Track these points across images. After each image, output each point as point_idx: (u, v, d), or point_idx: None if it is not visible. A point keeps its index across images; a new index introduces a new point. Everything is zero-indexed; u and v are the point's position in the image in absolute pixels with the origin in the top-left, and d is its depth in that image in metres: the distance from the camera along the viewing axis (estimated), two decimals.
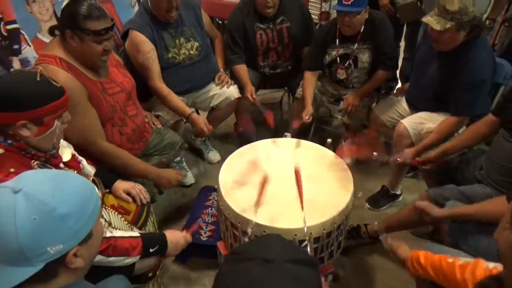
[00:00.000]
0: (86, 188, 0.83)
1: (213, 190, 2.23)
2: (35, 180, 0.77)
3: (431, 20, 1.78)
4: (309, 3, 2.85)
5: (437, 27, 1.75)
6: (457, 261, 1.14)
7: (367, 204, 2.33)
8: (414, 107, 2.18)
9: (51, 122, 1.21)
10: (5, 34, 1.83)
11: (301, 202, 1.48)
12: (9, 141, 1.16)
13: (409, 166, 2.27)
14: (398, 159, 1.90)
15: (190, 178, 2.53)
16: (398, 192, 2.34)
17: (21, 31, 1.90)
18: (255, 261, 0.67)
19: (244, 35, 2.47)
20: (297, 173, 1.57)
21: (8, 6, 1.81)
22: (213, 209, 2.12)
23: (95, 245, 0.86)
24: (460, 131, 2.00)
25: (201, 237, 1.97)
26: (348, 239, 1.99)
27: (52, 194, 0.75)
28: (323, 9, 2.87)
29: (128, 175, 1.76)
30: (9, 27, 1.84)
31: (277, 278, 0.65)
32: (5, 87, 1.16)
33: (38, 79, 1.17)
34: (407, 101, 2.26)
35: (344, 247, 1.80)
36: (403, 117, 2.19)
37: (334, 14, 2.76)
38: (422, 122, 2.03)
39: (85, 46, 1.57)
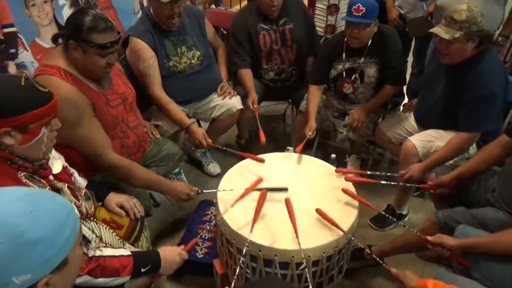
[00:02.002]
0: (63, 210, 0.74)
1: (212, 205, 2.15)
2: (4, 199, 0.69)
3: (439, 30, 1.74)
4: (315, 16, 2.80)
5: (446, 36, 1.70)
6: None
7: (372, 224, 2.24)
8: (423, 125, 2.10)
9: (37, 130, 1.13)
10: (1, 37, 1.78)
11: (295, 230, 1.38)
12: None
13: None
14: (405, 174, 1.82)
15: None
16: (404, 212, 2.25)
17: (19, 35, 1.85)
18: None
19: (248, 37, 2.43)
20: (287, 203, 1.48)
21: (5, 9, 1.76)
22: (211, 224, 2.03)
23: (72, 273, 0.77)
24: (471, 151, 1.92)
25: (197, 254, 1.88)
26: (351, 261, 1.89)
27: (22, 215, 0.67)
28: (329, 22, 2.83)
29: (138, 186, 1.70)
30: (6, 30, 1.79)
31: None
32: None
33: (22, 83, 1.09)
34: (415, 118, 2.18)
35: (347, 269, 1.71)
36: (410, 134, 2.12)
37: (339, 28, 2.73)
38: (431, 140, 1.95)
39: (88, 58, 1.51)
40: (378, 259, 1.47)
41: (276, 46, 2.46)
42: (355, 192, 1.59)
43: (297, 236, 1.34)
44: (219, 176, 2.32)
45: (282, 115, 3.19)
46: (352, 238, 1.45)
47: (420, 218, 2.28)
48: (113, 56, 1.56)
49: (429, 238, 1.44)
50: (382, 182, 1.73)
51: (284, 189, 1.60)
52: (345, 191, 1.58)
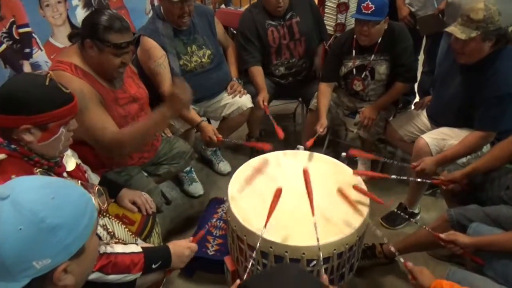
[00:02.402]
0: (82, 199, 0.75)
1: (222, 202, 2.16)
2: (26, 187, 0.70)
3: (455, 29, 1.70)
4: (325, 15, 2.80)
5: (462, 36, 1.67)
6: None
7: (383, 222, 2.22)
8: (436, 122, 2.08)
9: (56, 129, 1.16)
10: (17, 37, 1.81)
11: (312, 207, 1.39)
12: (13, 146, 1.11)
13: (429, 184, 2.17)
14: (417, 166, 1.82)
15: (199, 189, 2.46)
16: (416, 211, 2.23)
17: (33, 34, 1.88)
18: None
19: (257, 34, 2.44)
20: (305, 173, 1.49)
21: (20, 9, 1.79)
22: (221, 221, 2.04)
23: (88, 262, 0.78)
24: (484, 150, 1.89)
25: (208, 251, 1.89)
26: (362, 259, 1.88)
27: (43, 202, 0.68)
28: (339, 21, 2.82)
29: (151, 136, 1.67)
30: (21, 30, 1.82)
31: None
32: (12, 88, 1.11)
33: (46, 83, 1.12)
34: (428, 116, 2.16)
35: (358, 267, 1.70)
36: (422, 132, 2.10)
37: (349, 26, 2.72)
38: (445, 138, 1.93)
39: (103, 57, 1.53)
40: (393, 249, 1.46)
41: (284, 41, 2.47)
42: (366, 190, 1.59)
43: (313, 213, 1.38)
44: (230, 174, 2.33)
45: (292, 114, 3.19)
46: (371, 223, 1.44)
47: (432, 217, 2.26)
48: (127, 56, 1.58)
49: (441, 235, 1.42)
50: (393, 176, 1.72)
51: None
52: (355, 188, 1.58)
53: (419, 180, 1.81)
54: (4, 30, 1.75)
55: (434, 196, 2.39)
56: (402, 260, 1.34)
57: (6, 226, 0.65)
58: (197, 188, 2.46)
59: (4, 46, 1.77)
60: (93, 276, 1.17)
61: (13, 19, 1.78)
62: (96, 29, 1.49)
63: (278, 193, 1.45)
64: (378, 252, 1.93)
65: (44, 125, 1.13)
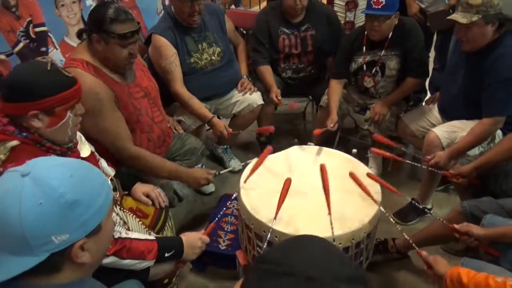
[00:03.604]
0: (98, 179, 0.78)
1: (233, 198, 2.16)
2: (45, 165, 0.73)
3: (456, 16, 1.73)
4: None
5: (463, 20, 1.69)
6: (509, 281, 1.01)
7: (395, 218, 2.21)
8: (447, 116, 2.07)
9: (63, 113, 1.18)
10: (33, 36, 1.85)
11: (328, 203, 1.39)
12: (24, 134, 1.15)
13: (440, 179, 2.15)
14: (431, 160, 1.82)
15: (210, 186, 2.48)
16: (428, 206, 2.21)
17: (49, 34, 1.93)
18: (293, 277, 0.52)
19: (269, 37, 2.46)
20: (323, 170, 1.49)
21: (37, 9, 1.84)
22: (233, 217, 2.05)
23: (104, 241, 0.80)
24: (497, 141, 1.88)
25: (220, 246, 1.90)
26: (374, 254, 1.87)
27: (62, 179, 0.71)
28: (348, 19, 2.82)
29: (157, 176, 1.74)
30: (37, 29, 1.86)
31: None
32: (15, 77, 1.15)
33: (48, 68, 1.15)
34: (439, 110, 2.15)
35: (370, 263, 1.69)
36: (434, 126, 2.09)
37: (358, 24, 2.72)
38: (455, 131, 1.92)
39: (110, 49, 1.56)
40: (407, 238, 1.46)
41: (295, 51, 2.49)
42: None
43: (329, 210, 1.39)
44: (240, 172, 2.34)
45: (302, 113, 3.19)
46: (383, 210, 1.45)
47: (444, 213, 2.23)
48: (134, 47, 1.61)
49: (456, 226, 1.41)
50: (407, 161, 1.81)
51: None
52: (369, 175, 1.58)
53: (431, 169, 1.81)
54: (21, 29, 1.79)
55: (447, 192, 2.38)
56: (416, 248, 1.33)
57: (27, 200, 0.67)
58: (208, 186, 2.46)
59: (21, 45, 1.81)
60: (109, 260, 1.20)
61: (29, 19, 1.82)
62: (100, 22, 1.52)
63: (287, 183, 1.45)
64: (391, 246, 1.92)
65: (51, 109, 1.15)
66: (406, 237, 1.48)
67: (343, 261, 0.58)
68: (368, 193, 1.46)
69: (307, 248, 0.59)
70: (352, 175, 1.54)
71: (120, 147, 1.66)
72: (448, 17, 1.80)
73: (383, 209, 1.44)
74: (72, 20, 2.03)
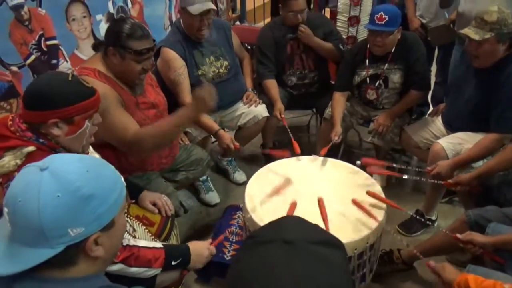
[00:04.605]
0: (113, 175, 0.81)
1: (238, 209, 2.18)
2: (63, 160, 0.76)
3: (469, 31, 1.75)
4: (337, 28, 2.86)
5: (476, 37, 1.71)
6: None
7: (399, 229, 2.21)
8: (452, 128, 2.09)
9: (82, 122, 1.22)
10: (45, 49, 1.91)
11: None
12: (41, 140, 1.18)
13: (445, 191, 2.16)
14: (433, 170, 1.83)
15: (215, 198, 2.49)
16: (433, 218, 2.21)
17: (60, 47, 1.98)
18: (273, 243, 0.59)
19: (274, 48, 2.52)
20: (320, 202, 1.51)
21: (49, 23, 1.90)
22: (238, 228, 2.06)
23: (117, 236, 0.82)
24: None
25: (225, 256, 1.90)
26: (379, 265, 1.87)
27: (79, 174, 0.74)
28: (350, 34, 2.88)
29: (172, 136, 1.68)
30: (49, 42, 1.92)
31: (299, 261, 0.57)
32: (38, 86, 1.19)
33: (70, 79, 1.20)
34: (444, 122, 2.18)
35: (376, 274, 1.69)
36: (438, 138, 2.11)
37: (360, 38, 2.77)
38: (461, 143, 1.93)
39: (125, 64, 1.60)
40: (415, 251, 1.46)
41: (297, 51, 2.55)
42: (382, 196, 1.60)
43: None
44: (245, 184, 2.36)
45: (306, 126, 3.22)
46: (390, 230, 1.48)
47: (449, 224, 2.18)
48: (148, 62, 1.64)
49: (459, 235, 1.42)
50: (405, 177, 1.83)
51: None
52: (370, 193, 1.59)
53: (431, 180, 1.82)
54: (34, 42, 1.85)
55: (452, 203, 2.37)
56: (421, 257, 1.34)
57: (45, 193, 0.70)
58: (213, 197, 2.49)
59: (33, 57, 1.86)
60: (116, 267, 1.21)
61: (42, 32, 1.88)
62: (118, 37, 1.56)
63: (292, 208, 1.48)
64: (396, 257, 1.91)
65: (70, 118, 1.19)
66: (414, 251, 1.48)
67: (317, 228, 0.66)
68: (370, 215, 1.48)
69: (285, 222, 0.67)
70: (354, 201, 1.56)
71: (125, 135, 1.59)
72: (460, 31, 1.82)
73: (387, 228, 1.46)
74: (82, 34, 2.09)
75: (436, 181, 1.82)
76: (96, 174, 0.76)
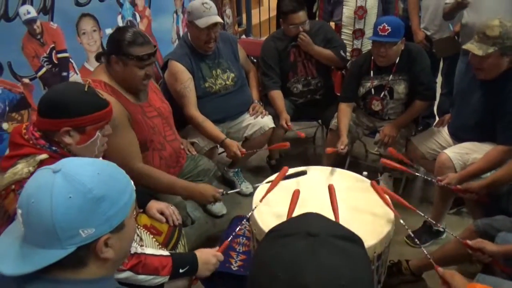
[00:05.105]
0: (123, 178, 0.83)
1: (245, 220, 2.17)
2: (75, 163, 0.78)
3: (472, 46, 1.75)
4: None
5: (479, 52, 1.71)
6: None
7: (408, 240, 2.19)
8: (458, 138, 2.09)
9: (93, 132, 1.25)
10: (55, 61, 1.95)
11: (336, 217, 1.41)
12: (54, 148, 1.21)
13: (453, 201, 2.15)
14: (442, 181, 1.82)
15: (221, 209, 2.50)
16: (441, 229, 2.19)
17: (70, 59, 2.03)
18: (297, 235, 0.61)
19: (278, 59, 2.56)
20: (331, 189, 1.51)
21: (60, 36, 1.94)
22: (244, 238, 2.05)
23: (127, 239, 0.83)
24: None
25: (232, 266, 1.89)
26: (388, 276, 1.85)
27: (90, 176, 0.75)
28: (355, 46, 2.92)
29: (165, 192, 1.77)
30: (60, 55, 1.97)
31: (323, 252, 0.58)
32: (54, 95, 1.23)
33: (85, 89, 1.23)
34: (450, 133, 2.18)
35: (384, 285, 1.68)
36: (444, 148, 2.10)
37: (365, 51, 2.79)
38: (468, 153, 1.93)
39: (128, 70, 1.64)
40: (427, 253, 1.46)
41: (299, 58, 2.59)
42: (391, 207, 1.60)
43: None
44: (252, 195, 2.37)
45: (312, 138, 3.23)
46: (402, 222, 1.50)
47: (457, 235, 2.21)
48: (150, 68, 1.69)
49: (469, 242, 1.41)
50: (417, 173, 1.95)
51: (303, 173, 1.74)
52: (384, 190, 1.63)
53: (441, 184, 1.82)
54: (45, 55, 1.90)
55: (460, 214, 2.36)
56: (434, 263, 1.33)
57: (58, 194, 0.72)
58: (220, 208, 2.49)
59: (44, 69, 1.90)
60: (124, 275, 1.21)
61: (53, 45, 1.92)
62: (120, 45, 1.61)
63: (296, 195, 1.48)
64: (404, 268, 1.90)
65: (83, 127, 1.22)
66: (425, 252, 1.47)
67: (339, 224, 0.69)
68: (388, 204, 1.49)
69: (307, 217, 0.69)
70: (372, 184, 1.61)
71: (130, 165, 1.67)
72: (463, 47, 1.83)
73: (402, 221, 1.46)
74: (92, 47, 2.14)
75: (447, 185, 1.81)
76: (107, 176, 0.78)
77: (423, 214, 1.67)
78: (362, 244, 0.65)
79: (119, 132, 1.62)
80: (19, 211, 0.74)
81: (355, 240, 0.64)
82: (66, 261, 0.72)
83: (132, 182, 0.86)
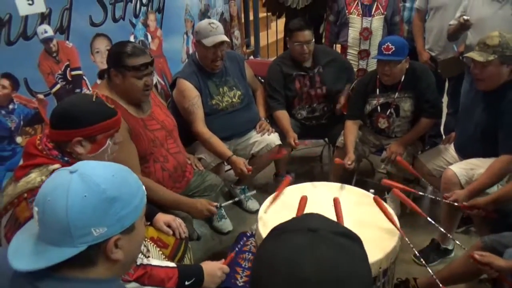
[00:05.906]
0: (136, 182, 0.86)
1: (250, 236, 2.17)
2: (91, 165, 0.82)
3: (473, 54, 1.82)
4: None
5: (480, 58, 1.77)
6: None
7: (415, 259, 2.16)
8: (464, 155, 2.10)
9: (104, 141, 1.29)
10: (69, 79, 2.02)
11: None
12: (66, 158, 1.25)
13: (461, 219, 2.13)
14: (449, 198, 1.82)
15: (227, 225, 2.50)
16: (449, 247, 2.17)
17: (84, 77, 2.10)
18: (298, 231, 0.63)
19: (283, 84, 2.60)
20: (336, 202, 1.53)
21: (75, 55, 2.02)
22: (250, 254, 2.05)
23: (136, 242, 0.85)
24: None
25: (237, 282, 1.89)
26: None
27: (105, 177, 0.79)
28: (360, 67, 2.97)
29: (160, 205, 1.77)
30: (74, 73, 2.03)
31: (322, 247, 0.60)
32: (64, 107, 1.28)
33: (94, 99, 1.29)
34: (456, 150, 2.19)
35: None
36: (450, 164, 2.11)
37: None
38: (473, 168, 1.94)
39: (127, 82, 1.71)
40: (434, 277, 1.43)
41: (305, 88, 2.62)
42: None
43: None
44: (257, 212, 2.38)
45: (319, 156, 3.25)
46: (407, 240, 1.49)
47: (465, 252, 2.18)
48: (149, 78, 1.75)
49: (477, 256, 1.40)
50: (421, 193, 1.93)
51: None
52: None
53: (447, 201, 1.82)
54: (60, 72, 1.97)
55: (468, 233, 2.33)
56: (440, 284, 1.32)
57: (73, 193, 0.75)
58: (226, 224, 2.50)
59: (58, 86, 1.97)
60: (131, 285, 1.22)
61: (68, 63, 2.00)
62: (117, 57, 1.69)
63: (304, 201, 1.49)
64: (412, 286, 1.87)
65: (93, 136, 1.27)
66: (430, 271, 1.46)
67: (338, 223, 0.71)
68: (392, 221, 1.48)
69: (308, 215, 0.71)
70: (375, 199, 1.61)
71: None
72: (465, 55, 1.89)
73: (407, 240, 1.45)
74: (105, 65, 2.21)
75: (452, 202, 1.81)
76: (121, 179, 0.81)
77: (433, 222, 1.69)
78: (361, 243, 0.67)
79: (121, 145, 1.65)
80: (35, 209, 0.77)
81: (354, 238, 0.66)
82: (76, 260, 0.74)
83: (144, 187, 0.88)
